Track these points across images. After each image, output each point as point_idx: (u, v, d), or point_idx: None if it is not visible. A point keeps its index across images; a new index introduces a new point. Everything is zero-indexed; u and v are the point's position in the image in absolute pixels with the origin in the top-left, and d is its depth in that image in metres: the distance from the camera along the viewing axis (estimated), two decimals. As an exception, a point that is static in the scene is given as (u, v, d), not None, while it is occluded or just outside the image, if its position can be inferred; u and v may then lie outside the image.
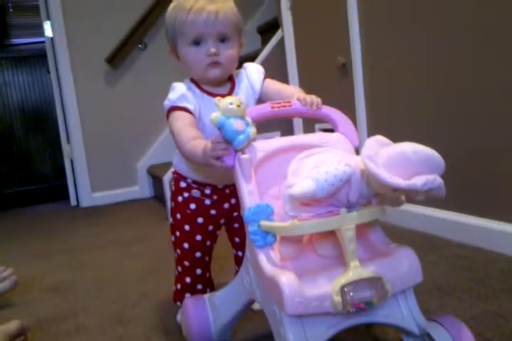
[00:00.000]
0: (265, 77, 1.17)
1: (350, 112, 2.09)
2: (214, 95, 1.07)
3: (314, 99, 1.02)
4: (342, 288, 0.74)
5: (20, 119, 4.44)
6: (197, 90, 1.10)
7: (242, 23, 1.11)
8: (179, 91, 1.07)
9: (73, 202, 3.46)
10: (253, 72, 1.17)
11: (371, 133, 2.09)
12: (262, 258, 0.82)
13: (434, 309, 1.17)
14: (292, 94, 1.08)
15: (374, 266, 0.78)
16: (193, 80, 1.13)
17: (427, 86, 1.77)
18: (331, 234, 0.79)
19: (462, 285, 1.31)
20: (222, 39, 1.06)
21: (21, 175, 4.46)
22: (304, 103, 1.01)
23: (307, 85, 2.57)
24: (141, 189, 3.49)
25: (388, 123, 2.00)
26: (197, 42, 1.05)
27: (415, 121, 1.85)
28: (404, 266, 0.82)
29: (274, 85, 1.17)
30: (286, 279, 0.75)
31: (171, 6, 1.09)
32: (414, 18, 1.78)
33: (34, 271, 1.93)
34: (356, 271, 0.74)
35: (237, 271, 1.25)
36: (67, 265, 2.00)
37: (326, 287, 0.76)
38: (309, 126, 2.46)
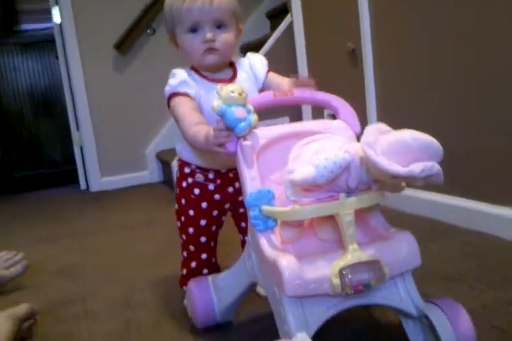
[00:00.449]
0: (268, 70, 1.18)
1: (360, 99, 2.12)
2: (215, 81, 1.09)
3: (307, 80, 1.04)
4: (340, 270, 0.76)
5: (29, 105, 4.47)
6: (197, 76, 1.11)
7: (239, 10, 1.12)
8: (179, 77, 1.09)
9: (83, 186, 3.51)
10: (257, 62, 1.18)
11: (380, 120, 2.07)
12: (263, 241, 0.85)
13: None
14: (290, 84, 1.10)
15: (372, 250, 0.80)
16: (192, 67, 1.14)
17: (437, 75, 1.76)
18: (331, 219, 0.81)
19: (472, 273, 1.30)
20: (219, 25, 1.07)
21: (31, 159, 4.49)
22: (294, 88, 1.02)
23: (316, 71, 2.57)
24: (150, 174, 3.53)
25: (398, 111, 1.99)
26: (193, 30, 1.06)
27: (425, 109, 1.84)
28: (403, 249, 0.84)
29: (275, 79, 1.18)
30: (286, 262, 0.78)
31: None
32: (426, 4, 1.77)
33: (42, 254, 1.95)
34: (355, 254, 0.77)
35: None
36: (76, 249, 2.03)
37: (325, 270, 0.78)
38: (318, 112, 2.47)
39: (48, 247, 2.09)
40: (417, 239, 0.86)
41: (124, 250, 1.94)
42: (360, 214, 0.88)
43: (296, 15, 2.62)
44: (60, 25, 3.33)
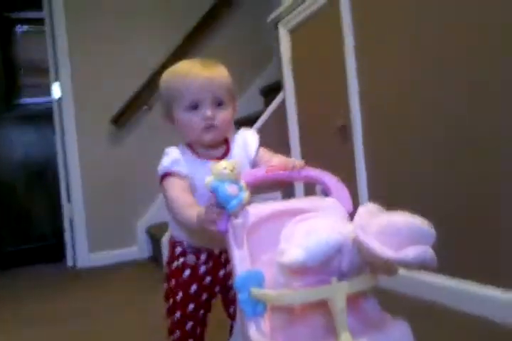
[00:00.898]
0: (259, 146, 1.18)
1: (351, 175, 2.12)
2: (208, 158, 1.08)
3: (296, 161, 1.03)
4: (332, 361, 0.71)
5: (22, 177, 4.47)
6: (190, 154, 1.11)
7: (235, 88, 1.13)
8: (172, 156, 1.08)
9: (70, 262, 3.42)
10: (250, 138, 1.18)
11: (372, 196, 2.08)
12: (252, 328, 0.80)
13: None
14: (280, 161, 1.09)
15: (365, 339, 0.75)
16: (187, 144, 1.14)
17: (429, 152, 1.78)
18: (323, 304, 0.76)
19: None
20: (218, 103, 1.08)
21: (21, 233, 4.42)
22: (285, 165, 1.02)
23: (308, 146, 2.61)
24: (139, 249, 3.46)
25: (389, 186, 2.00)
26: (193, 107, 1.07)
27: (416, 184, 1.85)
28: (396, 339, 0.78)
29: (265, 154, 1.18)
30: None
31: (165, 73, 1.13)
32: (413, 81, 1.82)
33: (30, 338, 1.90)
34: (347, 343, 0.72)
35: None
36: (58, 335, 1.94)
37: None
38: (310, 187, 2.46)
39: (30, 332, 2.01)
40: (413, 324, 0.81)
41: (113, 333, 1.86)
42: (353, 298, 0.83)
43: (289, 93, 2.71)
44: (59, 99, 3.41)
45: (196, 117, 1.07)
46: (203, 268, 1.16)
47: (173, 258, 1.19)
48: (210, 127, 1.07)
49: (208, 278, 1.17)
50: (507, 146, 1.46)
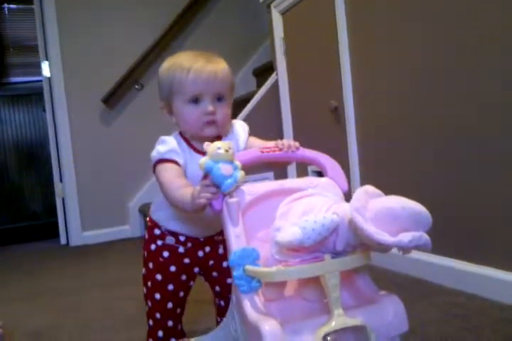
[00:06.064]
0: (249, 135, 1.20)
1: (343, 155, 2.14)
2: (201, 153, 1.09)
3: (291, 142, 1.04)
4: (325, 336, 0.73)
5: (14, 156, 4.45)
6: (185, 146, 1.11)
7: (235, 82, 1.14)
8: (170, 145, 1.08)
9: (63, 240, 3.43)
10: (240, 130, 1.19)
11: (363, 177, 2.10)
12: (247, 303, 0.81)
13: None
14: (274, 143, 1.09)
15: (358, 314, 0.77)
16: (181, 134, 1.14)
17: (417, 132, 1.80)
18: (316, 279, 0.78)
19: (454, 335, 1.27)
20: (219, 98, 1.08)
21: (12, 212, 4.43)
22: (281, 146, 1.03)
23: (300, 127, 2.61)
24: (132, 228, 3.47)
25: (380, 166, 2.02)
26: (195, 101, 1.07)
27: (407, 165, 1.87)
28: (389, 314, 0.80)
29: (255, 142, 1.18)
30: (269, 328, 0.74)
31: (166, 64, 1.12)
32: (406, 62, 1.83)
33: (18, 314, 1.89)
34: (339, 319, 0.73)
35: (218, 322, 1.23)
36: (53, 308, 1.96)
37: (309, 337, 0.74)
38: (302, 168, 2.48)
39: (25, 306, 2.02)
40: (403, 300, 0.83)
41: (102, 309, 1.87)
42: (347, 275, 0.85)
43: (281, 74, 2.70)
44: (49, 78, 3.37)
45: (197, 111, 1.07)
46: (181, 249, 1.17)
47: (151, 240, 1.20)
48: (211, 122, 1.07)
49: (187, 259, 1.18)
50: (493, 132, 1.48)
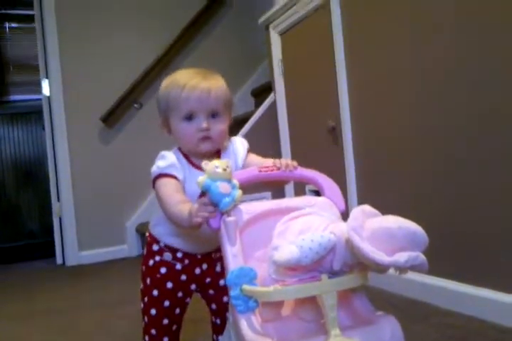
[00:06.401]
0: (248, 152, 1.20)
1: (341, 175, 2.14)
2: (200, 168, 1.09)
3: (289, 161, 1.05)
4: (323, 357, 0.72)
5: (12, 175, 4.44)
6: (184, 161, 1.12)
7: (232, 99, 1.15)
8: (169, 160, 1.09)
9: (59, 260, 3.40)
10: (239, 147, 1.19)
11: (361, 197, 2.11)
12: (243, 323, 0.81)
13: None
14: (273, 162, 1.10)
15: (355, 335, 0.76)
16: (181, 150, 1.14)
17: (416, 153, 1.81)
18: (313, 298, 0.78)
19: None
20: (213, 114, 1.09)
21: (9, 230, 4.40)
22: (278, 165, 1.03)
23: (298, 147, 2.62)
24: (129, 247, 3.46)
25: (377, 187, 2.02)
26: (189, 118, 1.08)
27: (405, 187, 1.87)
28: (386, 335, 0.80)
29: (254, 159, 1.19)
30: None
31: (166, 81, 1.13)
32: (401, 84, 1.85)
33: (15, 335, 1.87)
34: (336, 339, 0.73)
35: (214, 340, 1.22)
36: (50, 328, 1.94)
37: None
38: (300, 187, 2.48)
39: (21, 326, 2.00)
40: (400, 321, 0.83)
41: (99, 329, 1.85)
42: (344, 295, 0.85)
43: (279, 94, 2.72)
44: (49, 97, 3.39)
45: (191, 128, 1.08)
46: (178, 266, 1.17)
47: (149, 256, 1.20)
48: (205, 138, 1.08)
49: (184, 276, 1.18)
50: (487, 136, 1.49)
